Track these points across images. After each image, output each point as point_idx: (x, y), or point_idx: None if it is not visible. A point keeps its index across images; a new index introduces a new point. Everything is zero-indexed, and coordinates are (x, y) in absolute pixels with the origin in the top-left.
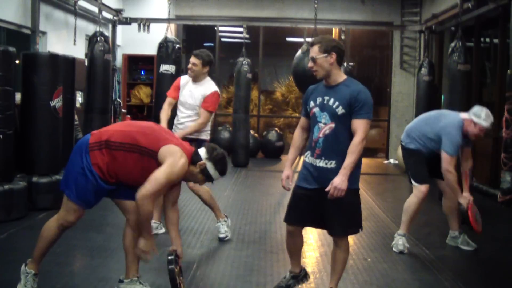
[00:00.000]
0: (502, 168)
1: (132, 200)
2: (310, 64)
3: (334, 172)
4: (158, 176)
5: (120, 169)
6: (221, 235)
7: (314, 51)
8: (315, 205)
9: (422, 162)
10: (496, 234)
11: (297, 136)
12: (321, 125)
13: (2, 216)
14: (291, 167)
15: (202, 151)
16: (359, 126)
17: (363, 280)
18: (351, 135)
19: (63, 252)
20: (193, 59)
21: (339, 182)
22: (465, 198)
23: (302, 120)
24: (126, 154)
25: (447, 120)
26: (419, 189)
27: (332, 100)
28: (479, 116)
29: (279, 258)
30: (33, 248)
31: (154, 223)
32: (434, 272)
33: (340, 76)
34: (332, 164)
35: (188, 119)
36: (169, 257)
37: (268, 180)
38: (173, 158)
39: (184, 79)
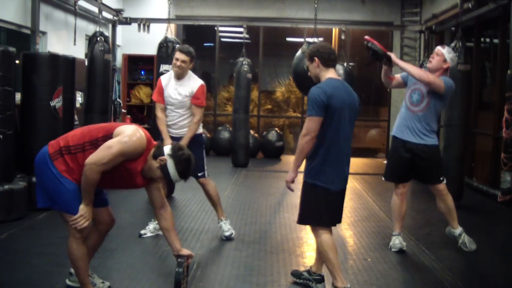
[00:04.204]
0: (502, 168)
1: (101, 207)
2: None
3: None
4: (110, 144)
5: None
6: (227, 233)
7: (306, 61)
8: None
9: (397, 161)
10: (496, 234)
11: None
12: None
13: (2, 216)
14: None
15: (166, 148)
16: (305, 122)
17: (363, 280)
18: (319, 135)
19: (63, 252)
20: (181, 56)
21: (286, 175)
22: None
23: None
24: (86, 154)
25: None
26: (396, 187)
27: None
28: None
29: (279, 258)
30: (33, 248)
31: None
32: (434, 272)
33: (323, 77)
34: None
35: (181, 118)
36: (178, 269)
37: (268, 180)
38: (127, 132)
39: (165, 79)
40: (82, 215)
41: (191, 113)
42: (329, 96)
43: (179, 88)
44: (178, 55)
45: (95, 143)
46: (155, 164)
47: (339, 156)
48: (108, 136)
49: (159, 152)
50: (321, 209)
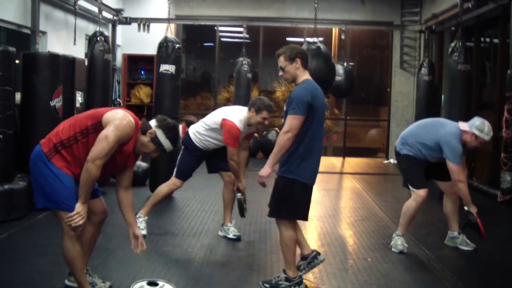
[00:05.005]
0: (502, 168)
1: (94, 198)
2: (280, 73)
3: (280, 164)
4: (106, 134)
5: (82, 162)
6: (237, 233)
7: (281, 60)
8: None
9: (418, 167)
10: (495, 234)
11: None
12: None
13: (2, 216)
14: None
15: (152, 121)
16: (286, 120)
17: (363, 280)
18: (299, 132)
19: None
20: (268, 115)
21: (261, 170)
22: (474, 207)
23: None
24: (79, 144)
25: (446, 130)
26: (418, 194)
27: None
28: (482, 131)
29: (279, 258)
30: (33, 248)
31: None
32: (434, 272)
33: (301, 78)
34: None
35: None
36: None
37: (268, 180)
38: (117, 117)
39: (241, 125)
40: (79, 212)
41: None
42: (313, 96)
43: (245, 130)
44: (266, 115)
45: (86, 132)
46: (146, 138)
47: (315, 153)
48: (98, 123)
49: (146, 127)
50: (298, 204)
